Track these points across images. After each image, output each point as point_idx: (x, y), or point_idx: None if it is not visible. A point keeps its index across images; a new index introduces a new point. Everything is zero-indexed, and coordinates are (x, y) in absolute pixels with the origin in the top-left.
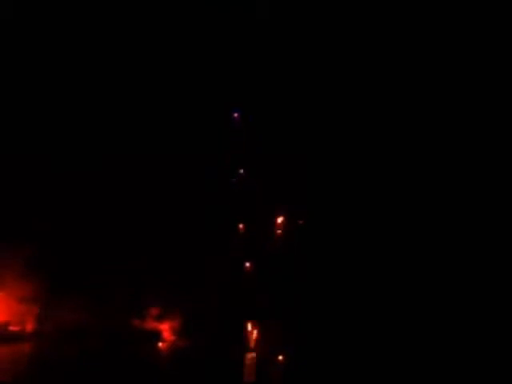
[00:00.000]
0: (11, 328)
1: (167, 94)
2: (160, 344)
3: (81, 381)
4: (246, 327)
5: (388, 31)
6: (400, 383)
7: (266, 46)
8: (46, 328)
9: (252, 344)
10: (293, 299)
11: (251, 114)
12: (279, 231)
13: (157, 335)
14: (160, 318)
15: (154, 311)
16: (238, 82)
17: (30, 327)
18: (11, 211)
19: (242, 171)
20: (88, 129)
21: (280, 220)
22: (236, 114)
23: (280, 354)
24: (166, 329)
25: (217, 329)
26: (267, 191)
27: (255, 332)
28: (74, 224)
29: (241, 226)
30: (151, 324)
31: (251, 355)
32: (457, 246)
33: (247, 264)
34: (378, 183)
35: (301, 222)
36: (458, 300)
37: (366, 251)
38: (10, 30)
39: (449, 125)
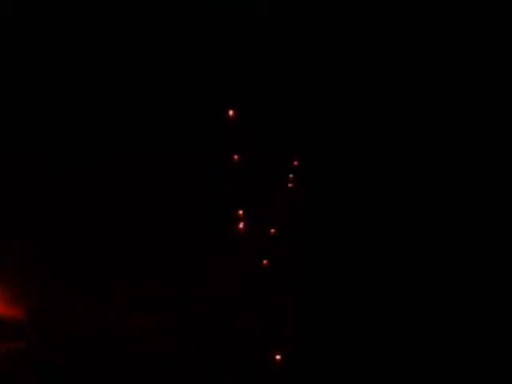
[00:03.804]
0: (8, 325)
1: (166, 93)
2: (160, 343)
3: (78, 380)
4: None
5: (388, 32)
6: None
7: (266, 46)
8: (43, 326)
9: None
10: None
11: (249, 113)
12: (278, 228)
13: (156, 335)
14: (159, 318)
15: (154, 311)
16: (237, 81)
17: (27, 325)
18: (11, 211)
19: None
20: (87, 128)
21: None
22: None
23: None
24: (165, 328)
25: (217, 329)
26: (266, 187)
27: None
28: (74, 224)
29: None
30: (150, 324)
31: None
32: (457, 241)
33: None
34: (377, 178)
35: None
36: (458, 296)
37: (367, 249)
38: (10, 30)
39: (448, 124)
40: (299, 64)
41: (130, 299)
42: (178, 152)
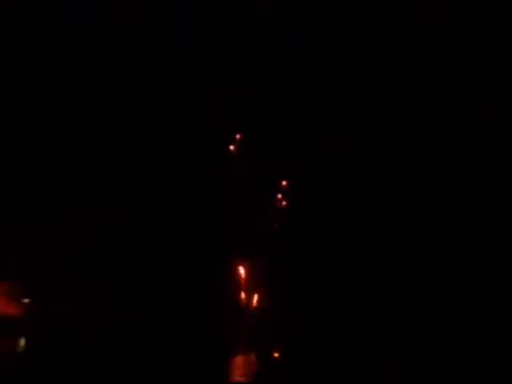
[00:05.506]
0: (8, 324)
1: (165, 94)
2: (160, 343)
3: (78, 380)
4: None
5: (389, 34)
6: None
7: (266, 46)
8: (41, 325)
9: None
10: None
11: (248, 113)
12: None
13: (154, 334)
14: (159, 318)
15: (153, 310)
16: (236, 82)
17: (27, 325)
18: (11, 211)
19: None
20: (87, 129)
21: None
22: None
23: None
24: (164, 328)
25: (213, 328)
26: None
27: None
28: (73, 224)
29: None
30: (150, 323)
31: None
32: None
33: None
34: (376, 173)
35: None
36: (458, 293)
37: (367, 244)
38: (10, 30)
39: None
40: (298, 65)
41: (130, 299)
42: (179, 156)
